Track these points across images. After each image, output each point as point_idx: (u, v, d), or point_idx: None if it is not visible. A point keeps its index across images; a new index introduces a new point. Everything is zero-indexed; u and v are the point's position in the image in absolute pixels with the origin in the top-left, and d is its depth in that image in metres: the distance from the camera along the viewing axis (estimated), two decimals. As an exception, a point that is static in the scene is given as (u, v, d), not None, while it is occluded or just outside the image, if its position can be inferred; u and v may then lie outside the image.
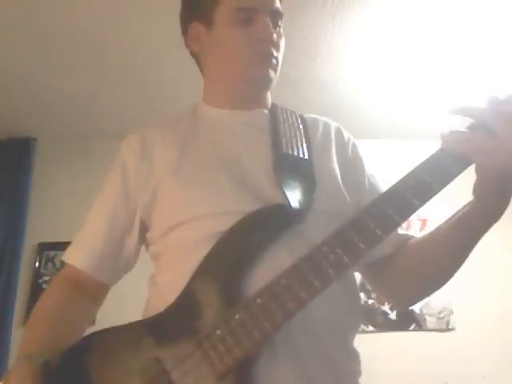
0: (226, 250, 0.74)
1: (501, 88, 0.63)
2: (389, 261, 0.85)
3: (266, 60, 0.89)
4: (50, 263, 2.73)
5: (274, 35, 0.88)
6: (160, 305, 0.75)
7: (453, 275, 0.79)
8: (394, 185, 0.66)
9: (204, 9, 0.92)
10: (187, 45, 0.98)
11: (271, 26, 0.88)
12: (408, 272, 0.84)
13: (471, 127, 0.65)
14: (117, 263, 0.89)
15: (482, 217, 0.71)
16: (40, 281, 2.69)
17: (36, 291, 2.64)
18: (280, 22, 0.92)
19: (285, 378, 0.69)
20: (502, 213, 0.69)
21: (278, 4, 0.91)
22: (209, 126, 0.92)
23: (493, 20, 2.19)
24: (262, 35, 0.87)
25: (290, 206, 0.75)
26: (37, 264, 2.73)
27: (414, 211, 0.64)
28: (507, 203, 0.68)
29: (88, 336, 0.79)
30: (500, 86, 2.58)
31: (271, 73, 0.90)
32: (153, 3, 2.01)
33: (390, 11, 2.13)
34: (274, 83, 0.93)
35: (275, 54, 0.90)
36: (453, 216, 0.76)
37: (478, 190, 0.68)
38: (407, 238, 0.87)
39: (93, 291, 0.90)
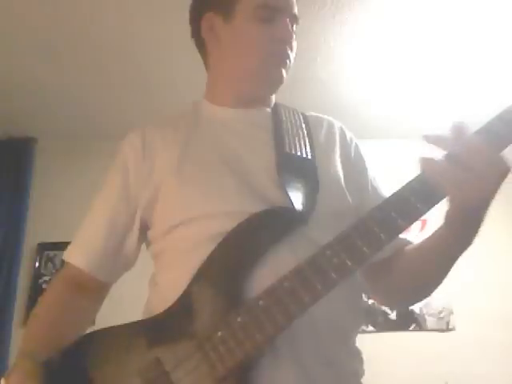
0: (229, 251, 0.73)
1: (469, 122, 0.63)
2: (384, 264, 0.86)
3: (282, 60, 0.90)
4: (50, 263, 2.73)
5: (294, 36, 0.90)
6: (160, 305, 0.75)
7: (436, 286, 0.82)
8: (400, 189, 0.66)
9: (224, 1, 0.91)
10: (195, 35, 0.97)
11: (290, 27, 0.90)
12: (399, 277, 0.85)
13: (448, 156, 0.64)
14: (117, 262, 0.88)
15: (453, 243, 0.72)
16: (40, 281, 2.69)
17: (36, 291, 2.65)
18: (295, 27, 0.93)
19: (286, 378, 0.68)
20: (471, 240, 0.70)
21: (296, 9, 0.92)
22: (211, 125, 0.91)
23: (492, 19, 2.19)
24: (282, 35, 0.88)
25: (294, 207, 0.74)
26: (37, 264, 2.73)
27: (419, 216, 0.64)
28: (476, 232, 0.69)
29: (88, 335, 0.79)
30: (499, 84, 2.58)
31: (284, 73, 0.91)
32: (154, 3, 2.01)
33: (390, 11, 2.13)
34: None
35: (290, 55, 0.91)
36: (429, 237, 0.77)
37: (448, 218, 0.69)
38: (405, 243, 0.87)
39: (93, 290, 0.90)
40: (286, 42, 0.89)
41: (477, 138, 0.63)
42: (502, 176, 0.62)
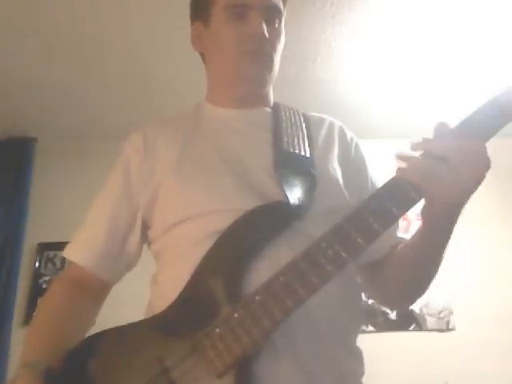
0: (226, 247, 0.73)
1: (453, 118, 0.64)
2: (381, 263, 0.86)
3: (255, 58, 0.88)
4: (49, 263, 2.73)
5: (266, 32, 0.86)
6: (162, 303, 0.75)
7: (427, 283, 0.82)
8: (393, 178, 0.66)
9: (202, 8, 0.93)
10: (192, 44, 0.99)
11: (264, 22, 0.87)
12: (393, 275, 0.85)
13: (424, 153, 0.65)
14: (119, 261, 0.89)
15: (431, 237, 0.72)
16: (40, 281, 2.69)
17: (36, 291, 2.65)
18: (278, 19, 0.91)
19: (285, 376, 0.69)
20: (450, 234, 0.71)
21: (275, 0, 0.90)
22: (211, 125, 0.92)
23: (492, 19, 2.19)
24: (252, 32, 0.86)
25: (290, 203, 0.75)
26: (37, 264, 2.73)
27: (413, 204, 0.64)
28: (454, 225, 0.69)
29: (90, 337, 0.79)
30: (499, 84, 2.58)
31: (263, 71, 0.89)
32: (153, 3, 2.01)
33: (390, 11, 2.13)
34: (271, 81, 0.93)
35: (267, 51, 0.88)
36: (413, 235, 0.78)
37: (425, 214, 0.69)
38: (401, 241, 0.87)
39: (95, 290, 0.89)
40: (258, 38, 0.86)
41: (454, 130, 0.64)
42: (481, 167, 0.62)
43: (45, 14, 2.03)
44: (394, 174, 0.66)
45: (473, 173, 0.62)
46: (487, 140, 0.64)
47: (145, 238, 0.90)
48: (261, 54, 0.88)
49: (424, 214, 0.69)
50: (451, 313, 2.76)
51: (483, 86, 2.65)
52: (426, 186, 0.63)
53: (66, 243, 0.91)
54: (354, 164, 0.93)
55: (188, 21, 1.00)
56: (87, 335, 0.81)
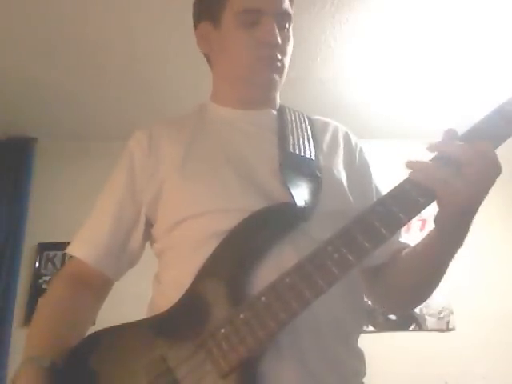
0: (231, 248, 0.73)
1: (469, 122, 0.65)
2: (383, 268, 0.86)
3: (269, 64, 0.88)
4: (49, 263, 2.73)
5: (279, 38, 0.87)
6: (164, 303, 0.75)
7: (431, 289, 0.82)
8: (400, 184, 0.66)
9: (213, 9, 0.92)
10: (197, 43, 0.98)
11: (277, 28, 0.87)
12: (396, 280, 0.85)
13: (441, 159, 0.65)
14: (122, 258, 0.88)
15: (442, 245, 0.73)
16: (40, 281, 2.69)
17: (36, 291, 2.64)
18: (288, 25, 0.91)
19: (289, 376, 0.69)
20: (461, 242, 0.71)
21: (286, 5, 0.90)
22: (216, 125, 0.92)
23: (492, 19, 2.20)
24: (266, 38, 0.86)
25: (296, 204, 0.75)
26: (37, 264, 2.73)
27: (420, 210, 0.64)
28: (465, 234, 0.70)
29: (91, 335, 0.79)
30: (499, 83, 2.58)
31: (275, 76, 0.90)
32: (153, 4, 2.01)
33: (390, 11, 2.13)
34: (281, 85, 0.93)
35: (280, 57, 0.89)
36: (421, 240, 0.78)
37: (438, 220, 0.69)
38: (403, 246, 0.87)
39: (97, 286, 0.89)
40: (272, 44, 0.87)
41: (461, 138, 0.64)
42: (493, 170, 0.63)
43: (45, 14, 2.03)
44: (403, 179, 0.66)
45: (487, 178, 0.63)
46: (495, 148, 0.65)
47: (148, 235, 0.90)
48: (274, 60, 0.88)
49: (438, 220, 0.69)
50: (451, 313, 2.76)
51: (483, 85, 2.65)
52: (443, 193, 0.63)
53: (66, 243, 0.91)
54: (358, 170, 0.93)
55: (188, 21, 0.99)
56: (88, 333, 0.81)
